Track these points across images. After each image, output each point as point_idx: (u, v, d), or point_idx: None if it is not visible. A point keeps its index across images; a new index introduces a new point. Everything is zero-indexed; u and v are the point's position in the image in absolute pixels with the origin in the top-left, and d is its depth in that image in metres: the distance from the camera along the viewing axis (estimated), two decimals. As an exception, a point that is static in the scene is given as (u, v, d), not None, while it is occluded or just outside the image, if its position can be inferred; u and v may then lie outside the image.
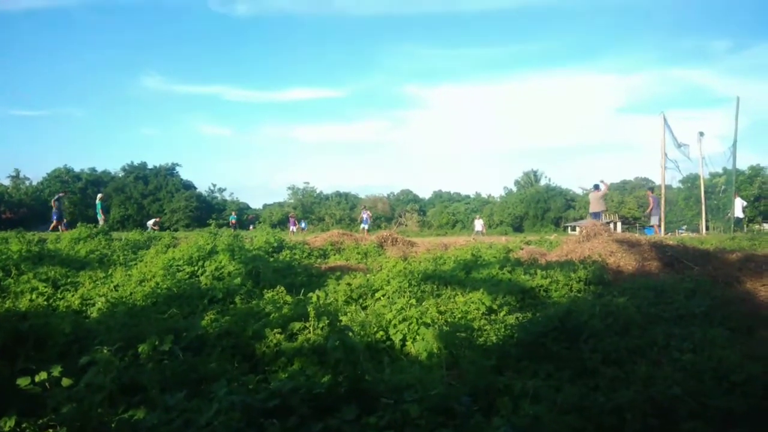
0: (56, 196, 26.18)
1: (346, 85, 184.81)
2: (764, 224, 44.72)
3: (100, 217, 26.82)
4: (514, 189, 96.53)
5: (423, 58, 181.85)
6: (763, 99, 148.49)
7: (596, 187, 23.37)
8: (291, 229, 44.78)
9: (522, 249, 17.32)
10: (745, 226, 29.47)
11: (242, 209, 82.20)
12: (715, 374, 5.52)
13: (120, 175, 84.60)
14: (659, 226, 24.21)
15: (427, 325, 7.21)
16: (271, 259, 13.98)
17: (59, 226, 24.41)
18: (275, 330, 6.87)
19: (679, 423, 4.62)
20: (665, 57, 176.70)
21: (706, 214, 26.97)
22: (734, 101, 26.57)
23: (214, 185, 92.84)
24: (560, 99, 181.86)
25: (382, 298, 9.39)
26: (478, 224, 43.81)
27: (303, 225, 60.21)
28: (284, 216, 72.74)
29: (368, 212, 42.82)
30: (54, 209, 25.26)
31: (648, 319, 7.85)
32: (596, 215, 22.28)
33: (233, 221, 45.73)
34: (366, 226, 37.25)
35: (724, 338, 6.83)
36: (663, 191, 25.46)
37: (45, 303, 9.43)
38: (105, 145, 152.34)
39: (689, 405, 4.82)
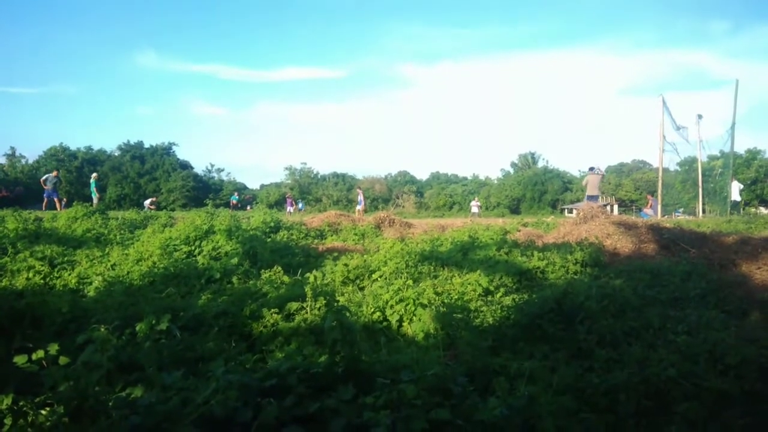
0: (44, 177, 26.10)
1: (344, 64, 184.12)
2: (761, 207, 44.83)
3: (95, 196, 26.79)
4: (512, 171, 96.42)
5: (421, 38, 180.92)
6: (762, 82, 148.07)
7: (591, 169, 23.56)
8: (288, 210, 44.88)
9: (519, 231, 17.34)
10: (741, 209, 29.55)
11: (239, 189, 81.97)
12: (709, 356, 5.55)
13: (116, 154, 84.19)
14: (654, 215, 24.51)
15: (423, 306, 7.22)
16: (269, 240, 13.98)
17: (57, 204, 24.54)
18: (272, 310, 6.87)
19: (673, 404, 4.66)
20: (664, 38, 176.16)
21: (702, 197, 27.02)
22: (733, 84, 26.53)
23: (212, 165, 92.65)
24: (558, 80, 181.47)
25: (379, 279, 9.39)
26: (475, 206, 46.91)
27: (300, 206, 60.29)
28: (281, 196, 72.68)
29: (360, 192, 42.61)
30: (47, 190, 25.25)
31: (644, 301, 7.88)
32: (593, 198, 22.33)
33: (234, 201, 45.71)
34: (360, 207, 37.12)
35: (719, 321, 6.87)
36: (660, 174, 25.50)
37: (42, 281, 9.43)
38: (101, 124, 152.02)
39: (683, 387, 4.86)
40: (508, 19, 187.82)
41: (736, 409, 4.61)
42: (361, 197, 39.88)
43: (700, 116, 27.10)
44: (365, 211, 35.49)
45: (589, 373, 5.35)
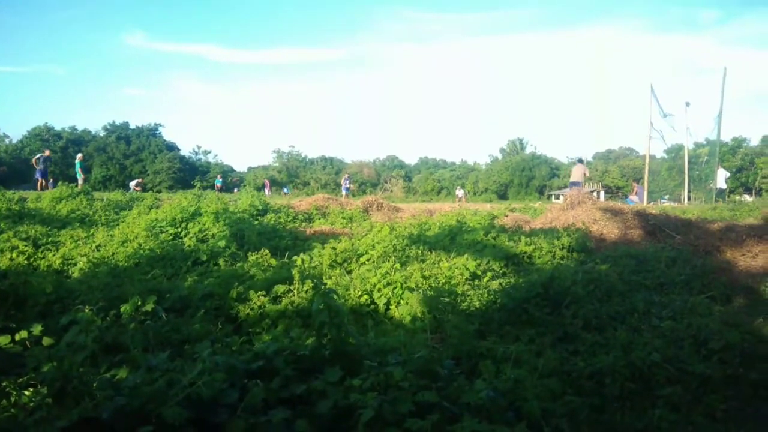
0: (38, 156, 25.82)
1: (333, 47, 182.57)
2: (745, 195, 45.31)
3: (80, 177, 26.48)
4: (500, 157, 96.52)
5: (411, 21, 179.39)
6: (750, 70, 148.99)
7: (580, 161, 24.18)
8: (266, 193, 45.25)
9: (507, 216, 17.38)
10: (726, 196, 29.82)
11: (226, 172, 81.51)
12: (693, 341, 5.61)
13: (101, 135, 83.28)
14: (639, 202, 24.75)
15: (411, 290, 7.23)
16: (256, 222, 13.91)
17: (46, 185, 24.27)
18: (259, 292, 6.86)
19: (657, 388, 4.71)
20: (654, 26, 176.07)
21: (688, 184, 27.21)
22: (721, 72, 26.59)
23: (199, 147, 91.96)
24: (546, 66, 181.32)
25: (366, 262, 9.39)
26: (460, 192, 55.47)
27: (286, 190, 60.77)
28: (269, 179, 72.52)
29: (347, 178, 42.84)
30: (37, 169, 25.02)
31: (629, 286, 7.94)
32: (576, 184, 22.80)
33: (218, 185, 45.63)
34: (345, 193, 37.16)
35: (703, 306, 6.94)
36: (647, 161, 25.65)
37: (25, 262, 9.33)
38: (86, 104, 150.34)
39: (667, 371, 4.91)
40: (497, 4, 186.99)
41: (719, 394, 4.66)
42: (347, 183, 40.01)
43: (687, 104, 27.15)
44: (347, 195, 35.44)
45: (575, 356, 5.40)
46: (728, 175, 33.04)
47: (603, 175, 79.19)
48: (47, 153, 26.32)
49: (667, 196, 33.82)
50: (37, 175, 24.91)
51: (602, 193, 61.39)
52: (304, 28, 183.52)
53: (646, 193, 25.14)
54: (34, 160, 25.91)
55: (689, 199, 27.05)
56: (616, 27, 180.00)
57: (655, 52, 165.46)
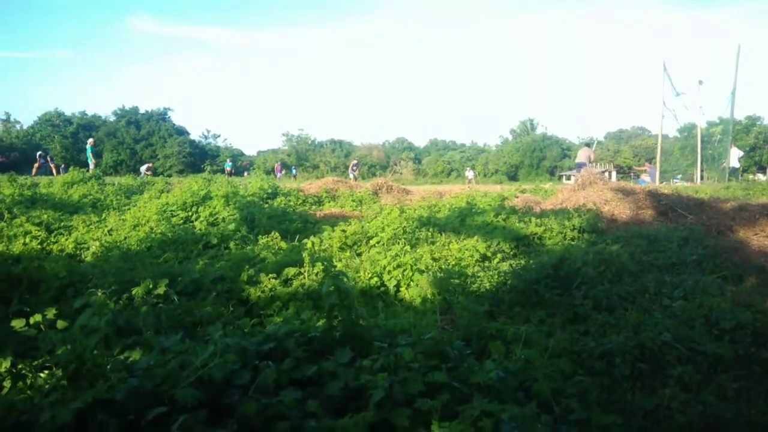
0: (38, 152, 27.92)
1: (342, 27, 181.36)
2: (759, 174, 44.77)
3: (91, 162, 26.67)
4: (510, 138, 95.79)
5: (422, 1, 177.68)
6: (764, 48, 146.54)
7: (588, 145, 24.08)
8: (277, 176, 45.35)
9: (517, 197, 17.29)
10: (740, 175, 29.49)
11: (236, 155, 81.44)
12: (705, 321, 5.59)
13: (111, 120, 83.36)
14: (651, 182, 24.60)
15: (421, 272, 7.25)
16: (266, 206, 13.96)
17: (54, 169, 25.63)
18: (270, 275, 6.90)
19: (668, 368, 4.71)
20: (666, 2, 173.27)
21: (701, 163, 26.92)
22: (735, 49, 26.16)
23: (208, 131, 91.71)
24: (557, 45, 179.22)
25: (376, 244, 9.41)
26: (470, 174, 55.31)
27: (293, 171, 60.82)
28: (279, 163, 72.57)
29: (355, 164, 43.06)
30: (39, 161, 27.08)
31: (640, 266, 7.90)
32: (581, 165, 22.78)
33: (228, 169, 45.86)
34: (352, 176, 37.22)
35: (715, 286, 6.89)
36: (660, 140, 25.40)
37: (39, 247, 9.42)
38: (94, 88, 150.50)
39: (678, 351, 4.89)
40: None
41: (730, 373, 4.65)
42: (354, 171, 40.09)
43: (700, 82, 26.77)
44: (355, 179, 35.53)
45: (585, 337, 5.39)
46: (741, 154, 32.66)
47: (615, 155, 78.47)
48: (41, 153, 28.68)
49: (679, 176, 33.49)
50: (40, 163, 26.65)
51: (614, 174, 60.93)
52: (312, 9, 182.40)
53: (658, 173, 24.95)
54: (38, 156, 28.09)
55: (702, 178, 26.78)
56: (628, 4, 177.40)
57: (668, 29, 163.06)
